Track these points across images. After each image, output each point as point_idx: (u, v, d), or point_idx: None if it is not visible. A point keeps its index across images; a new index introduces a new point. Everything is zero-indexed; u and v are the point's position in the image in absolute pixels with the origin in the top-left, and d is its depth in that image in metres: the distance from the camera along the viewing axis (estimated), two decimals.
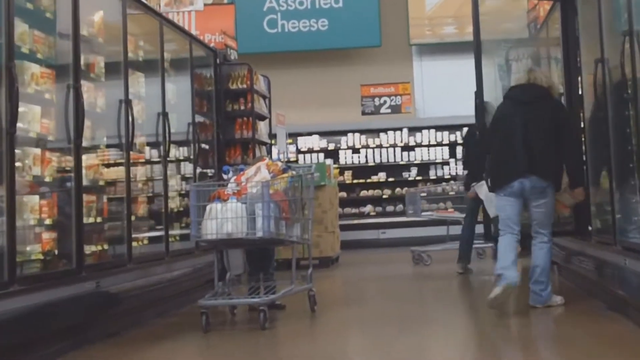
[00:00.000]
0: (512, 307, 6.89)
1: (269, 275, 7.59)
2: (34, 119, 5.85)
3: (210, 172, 9.73)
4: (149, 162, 8.40)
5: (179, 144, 9.01)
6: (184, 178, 9.09)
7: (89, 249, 6.64)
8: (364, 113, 17.25)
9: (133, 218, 7.45)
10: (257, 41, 17.05)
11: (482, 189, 7.84)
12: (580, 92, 7.59)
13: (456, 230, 11.35)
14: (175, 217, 8.65)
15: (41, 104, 5.94)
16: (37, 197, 5.85)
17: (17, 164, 5.62)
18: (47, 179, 6.02)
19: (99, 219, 6.78)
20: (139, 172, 8.00)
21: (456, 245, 10.61)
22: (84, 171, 6.48)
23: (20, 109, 5.57)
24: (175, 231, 8.64)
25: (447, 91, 17.12)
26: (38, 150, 5.89)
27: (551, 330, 6.16)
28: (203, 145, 9.72)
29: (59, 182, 6.17)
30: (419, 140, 17.11)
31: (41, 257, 5.84)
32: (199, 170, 9.36)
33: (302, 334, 6.51)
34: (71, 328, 5.84)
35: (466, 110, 16.46)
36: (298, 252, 8.72)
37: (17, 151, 5.58)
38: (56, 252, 6.01)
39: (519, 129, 6.69)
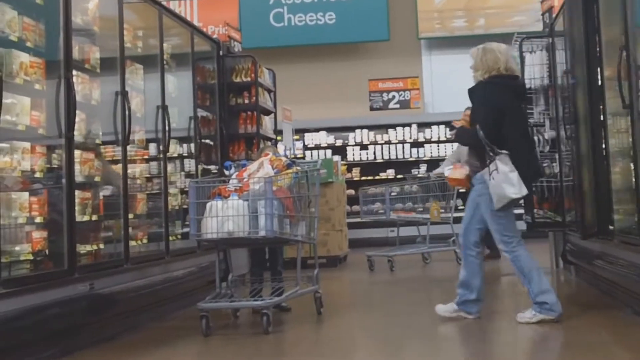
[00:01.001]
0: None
1: (277, 274, 7.34)
2: (23, 111, 5.51)
3: (213, 168, 9.40)
4: (149, 158, 8.08)
5: (181, 140, 8.70)
6: (188, 175, 8.76)
7: (83, 248, 6.34)
8: (372, 108, 16.94)
9: (131, 216, 7.14)
10: (262, 35, 16.75)
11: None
12: (599, 83, 7.21)
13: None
14: (176, 215, 8.32)
15: (31, 95, 5.62)
16: (26, 193, 5.52)
17: (5, 158, 5.31)
18: (37, 175, 5.69)
19: (94, 217, 6.45)
20: (138, 168, 7.67)
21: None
22: (77, 167, 6.17)
23: (7, 100, 5.29)
24: (177, 229, 8.30)
25: (457, 86, 16.58)
26: (27, 144, 5.56)
27: (574, 336, 5.78)
28: (207, 141, 9.40)
29: (50, 178, 5.84)
30: (428, 136, 16.76)
31: (31, 257, 5.50)
32: (202, 166, 9.04)
33: (308, 339, 6.18)
34: (62, 332, 5.51)
35: None
36: (304, 251, 8.46)
37: (4, 145, 5.28)
38: (47, 252, 5.67)
39: (528, 127, 6.40)
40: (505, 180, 5.94)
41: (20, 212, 5.41)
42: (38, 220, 5.62)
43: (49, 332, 5.33)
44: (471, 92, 6.42)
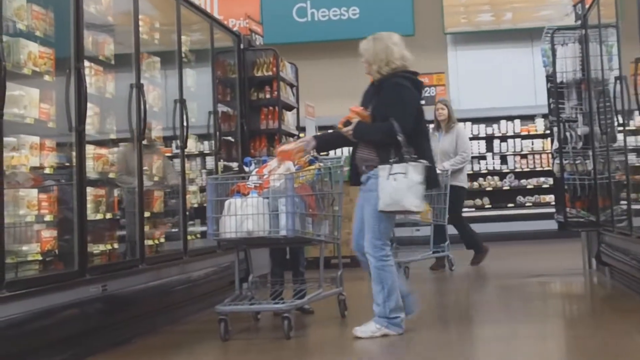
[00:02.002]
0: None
1: (299, 275, 7.08)
2: (31, 104, 5.23)
3: (234, 165, 9.12)
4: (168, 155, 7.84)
5: (201, 136, 8.43)
6: (209, 173, 8.49)
7: (97, 248, 6.07)
8: None
9: (148, 214, 6.87)
10: (285, 31, 16.43)
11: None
12: None
13: None
14: (196, 214, 8.04)
15: (40, 86, 5.34)
16: (35, 190, 5.25)
17: (14, 153, 5.04)
18: (47, 171, 5.43)
19: (108, 215, 6.18)
20: (155, 164, 7.39)
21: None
22: (90, 162, 5.90)
23: (15, 92, 5.02)
24: (196, 228, 8.02)
25: (483, 82, 16.62)
26: (36, 139, 5.29)
27: (608, 342, 5.43)
28: (227, 137, 9.12)
29: (61, 174, 5.57)
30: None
31: (40, 257, 5.23)
32: (222, 163, 8.76)
33: (331, 344, 5.85)
34: (72, 337, 5.23)
35: (504, 102, 16.18)
36: (328, 251, 8.16)
37: (10, 139, 5.01)
38: (57, 252, 5.40)
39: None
40: (410, 189, 5.48)
41: (29, 210, 5.15)
42: (48, 218, 5.36)
43: (57, 338, 5.05)
44: (377, 86, 5.98)
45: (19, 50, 5.12)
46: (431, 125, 10.47)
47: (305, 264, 7.27)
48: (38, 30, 5.38)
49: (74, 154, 5.45)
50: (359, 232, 5.90)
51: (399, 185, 5.47)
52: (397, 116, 5.66)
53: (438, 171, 8.78)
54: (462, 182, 10.57)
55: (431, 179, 5.75)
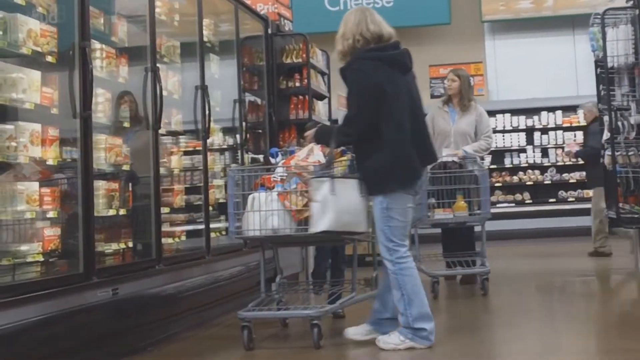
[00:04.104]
0: None
1: (338, 274, 6.69)
2: (31, 87, 4.70)
3: (262, 157, 8.58)
4: (188, 147, 7.31)
5: (226, 128, 7.90)
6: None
7: (109, 247, 5.54)
8: (432, 96, 16.01)
9: (167, 210, 6.35)
10: (316, 19, 15.87)
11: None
12: None
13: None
14: (220, 209, 7.50)
15: (41, 68, 4.81)
16: (35, 184, 4.72)
17: (8, 143, 4.53)
18: (50, 162, 4.90)
19: (122, 211, 5.66)
20: (175, 156, 6.87)
21: None
22: (102, 153, 5.38)
23: (12, 74, 4.50)
24: (221, 224, 7.48)
25: (523, 72, 16.06)
26: (37, 126, 4.75)
27: None
28: (255, 128, 8.57)
29: (65, 166, 5.04)
30: (492, 125, 15.73)
31: (41, 258, 4.70)
32: (249, 155, 8.23)
33: (365, 355, 5.26)
34: (76, 347, 4.69)
35: (544, 92, 15.56)
36: (362, 248, 7.60)
37: (7, 126, 4.49)
38: (60, 252, 4.87)
39: (417, 106, 5.30)
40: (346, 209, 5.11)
41: (29, 206, 4.62)
42: (51, 214, 4.84)
43: (58, 348, 4.51)
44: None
45: (17, 28, 4.59)
46: (437, 101, 9.24)
47: (346, 261, 6.73)
48: (40, 6, 4.87)
49: (78, 142, 4.91)
50: None
51: (336, 205, 5.06)
52: (347, 112, 5.28)
53: (454, 158, 7.83)
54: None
55: (402, 173, 5.14)
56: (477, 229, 8.14)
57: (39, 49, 4.76)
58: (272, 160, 5.92)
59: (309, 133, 5.50)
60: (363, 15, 5.32)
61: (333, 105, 10.77)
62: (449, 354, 5.05)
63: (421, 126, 5.33)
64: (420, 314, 5.06)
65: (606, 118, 8.88)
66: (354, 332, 5.47)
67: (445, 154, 7.94)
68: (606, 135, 8.96)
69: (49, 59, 4.87)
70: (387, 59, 5.20)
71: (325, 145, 5.38)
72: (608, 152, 8.89)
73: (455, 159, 7.74)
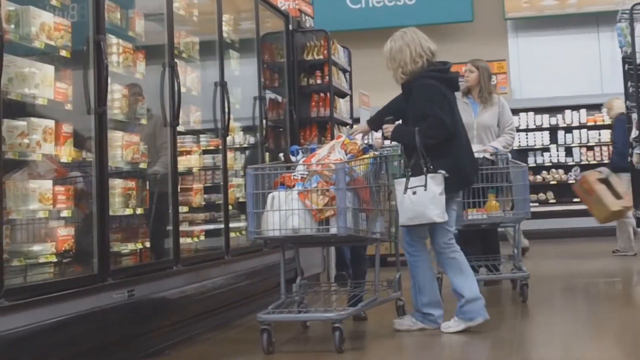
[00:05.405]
0: None
1: (359, 274, 6.56)
2: (44, 82, 4.56)
3: (283, 156, 8.42)
4: (208, 145, 7.17)
5: (246, 126, 7.76)
6: (254, 164, 7.79)
7: (125, 248, 5.41)
8: None
9: (186, 209, 6.21)
10: (338, 17, 15.78)
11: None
12: None
13: None
14: (240, 208, 7.35)
15: (55, 63, 4.67)
16: (49, 182, 4.58)
17: (24, 140, 4.39)
18: (64, 159, 4.76)
19: (139, 211, 5.52)
20: (193, 155, 6.74)
21: None
22: (119, 151, 5.25)
23: (24, 69, 4.36)
24: (240, 224, 7.33)
25: (546, 70, 15.94)
26: (51, 122, 4.61)
27: None
28: (275, 126, 8.43)
29: (80, 163, 4.91)
30: (516, 124, 15.52)
31: (54, 259, 4.56)
32: (269, 154, 8.08)
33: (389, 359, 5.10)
34: (89, 351, 4.54)
35: (568, 91, 15.33)
36: (384, 248, 7.41)
37: (19, 122, 4.35)
38: (74, 252, 4.73)
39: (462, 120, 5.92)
40: (432, 201, 5.34)
41: (42, 205, 4.48)
42: (65, 214, 4.70)
43: (71, 353, 4.37)
44: (406, 91, 5.88)
45: (30, 21, 4.45)
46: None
47: (367, 261, 6.62)
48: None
49: (93, 139, 4.77)
50: None
51: (419, 198, 5.36)
52: (430, 119, 5.54)
53: (485, 154, 7.43)
54: None
55: (462, 178, 5.69)
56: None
57: (52, 43, 4.62)
58: (293, 158, 5.78)
59: (388, 127, 5.73)
60: (416, 35, 5.82)
61: (355, 103, 10.61)
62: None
63: (467, 139, 5.85)
64: (430, 302, 5.64)
65: (634, 115, 8.69)
66: (400, 324, 5.76)
67: (475, 150, 7.63)
68: (634, 133, 8.76)
69: (63, 53, 4.73)
70: (446, 80, 5.70)
71: (402, 144, 5.77)
72: (637, 151, 8.69)
73: (487, 155, 7.39)
